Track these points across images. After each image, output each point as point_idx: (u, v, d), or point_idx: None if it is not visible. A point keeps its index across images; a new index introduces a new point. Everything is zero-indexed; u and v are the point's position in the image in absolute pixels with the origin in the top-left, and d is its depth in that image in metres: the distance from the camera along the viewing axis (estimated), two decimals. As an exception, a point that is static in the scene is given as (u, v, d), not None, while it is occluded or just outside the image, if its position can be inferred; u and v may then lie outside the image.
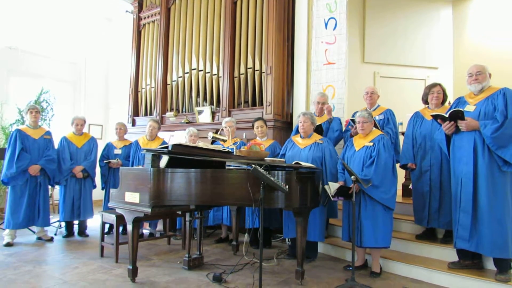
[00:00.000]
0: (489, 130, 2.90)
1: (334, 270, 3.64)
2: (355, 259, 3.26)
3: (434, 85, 3.82)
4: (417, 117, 3.86)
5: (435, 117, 3.23)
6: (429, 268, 3.33)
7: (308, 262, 3.82)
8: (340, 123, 4.35)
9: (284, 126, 5.13)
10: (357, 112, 4.34)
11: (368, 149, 3.41)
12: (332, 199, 3.30)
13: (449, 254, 3.42)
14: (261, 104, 5.22)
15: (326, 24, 5.04)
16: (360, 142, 3.52)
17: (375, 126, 3.61)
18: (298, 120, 3.91)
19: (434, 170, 3.62)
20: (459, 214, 3.09)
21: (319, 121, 4.30)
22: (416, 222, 3.79)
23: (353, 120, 4.16)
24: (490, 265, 3.17)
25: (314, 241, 3.82)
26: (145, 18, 7.10)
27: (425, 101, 3.88)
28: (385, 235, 3.32)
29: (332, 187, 3.23)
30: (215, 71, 5.79)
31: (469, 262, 3.20)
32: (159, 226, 4.91)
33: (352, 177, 3.09)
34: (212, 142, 4.63)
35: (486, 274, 3.08)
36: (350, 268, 3.20)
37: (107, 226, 4.75)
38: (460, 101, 3.31)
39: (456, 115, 3.04)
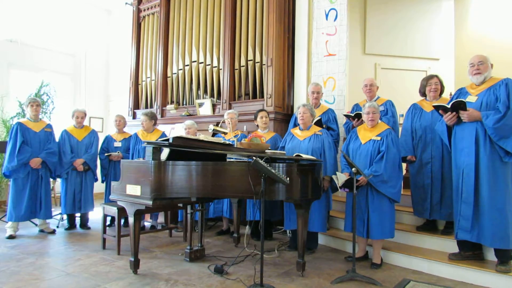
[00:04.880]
0: (491, 120, 2.89)
1: (335, 261, 3.66)
2: (356, 250, 3.27)
3: (431, 77, 3.80)
4: (415, 109, 3.85)
5: (436, 108, 3.22)
6: (430, 259, 3.34)
7: (309, 253, 3.83)
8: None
9: (284, 119, 5.11)
10: (357, 104, 4.34)
11: (376, 143, 3.39)
12: (339, 189, 3.31)
13: (450, 245, 3.43)
14: (262, 96, 5.20)
15: (326, 15, 5.00)
16: (366, 135, 3.49)
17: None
18: (297, 112, 3.90)
19: (436, 162, 3.62)
20: (460, 205, 3.09)
21: (316, 112, 4.28)
22: (415, 214, 3.81)
23: (348, 116, 4.15)
24: (490, 256, 3.18)
25: (315, 232, 3.84)
26: (145, 10, 7.05)
27: (423, 93, 3.86)
28: (391, 227, 3.36)
29: (340, 177, 3.23)
30: (215, 63, 5.76)
31: (470, 253, 3.21)
32: (160, 219, 4.93)
33: (353, 169, 3.09)
34: (213, 135, 4.63)
35: (487, 265, 3.09)
36: (351, 259, 3.21)
37: (108, 218, 4.77)
38: (461, 92, 3.29)
39: (458, 106, 3.03)
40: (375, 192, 3.33)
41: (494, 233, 2.90)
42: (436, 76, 3.79)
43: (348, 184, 3.22)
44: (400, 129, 4.15)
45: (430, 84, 3.73)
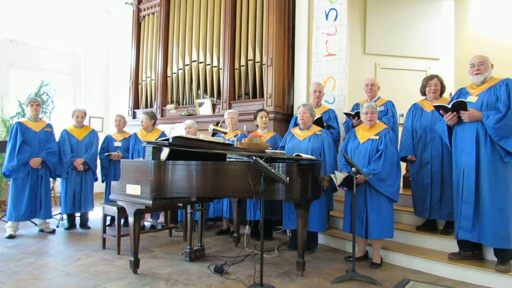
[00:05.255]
0: (491, 120, 2.89)
1: (335, 261, 3.66)
2: (356, 250, 3.27)
3: (431, 77, 3.80)
4: (416, 109, 3.85)
5: (437, 108, 3.22)
6: (430, 259, 3.34)
7: (309, 253, 3.83)
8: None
9: (284, 118, 5.12)
10: (357, 104, 4.34)
11: (374, 142, 3.39)
12: (337, 188, 3.31)
13: (449, 245, 3.43)
14: (262, 96, 5.20)
15: (326, 15, 5.00)
16: (364, 134, 3.50)
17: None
18: (297, 112, 3.90)
19: (435, 162, 3.61)
20: (461, 205, 3.09)
21: (317, 112, 4.29)
22: (416, 214, 3.81)
23: (348, 114, 4.15)
24: (490, 255, 3.18)
25: (314, 232, 3.84)
26: (144, 9, 7.05)
27: (423, 93, 3.86)
28: (390, 226, 3.36)
29: (338, 176, 3.24)
30: (215, 63, 5.76)
31: (470, 253, 3.21)
32: (160, 218, 4.93)
33: (353, 168, 3.09)
34: (213, 135, 4.63)
35: (486, 265, 3.09)
36: (351, 259, 3.21)
37: (108, 218, 4.77)
38: (462, 92, 3.29)
39: (459, 106, 3.03)
40: (374, 191, 3.32)
41: (495, 232, 2.90)
42: (437, 76, 3.78)
43: (346, 182, 3.22)
44: (400, 128, 4.16)
45: (430, 85, 3.73)
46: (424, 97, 3.87)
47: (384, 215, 3.33)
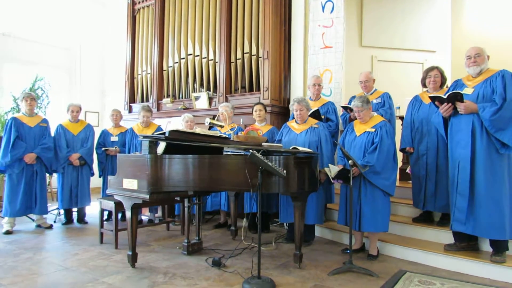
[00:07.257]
0: (487, 113, 2.90)
1: (332, 253, 3.68)
2: (353, 242, 3.29)
3: (431, 68, 3.79)
4: (416, 101, 3.85)
5: (432, 99, 3.22)
6: (426, 250, 3.37)
7: (306, 245, 3.85)
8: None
9: (281, 111, 5.11)
10: (354, 96, 4.33)
11: (370, 135, 3.40)
12: (332, 181, 3.32)
13: (446, 236, 3.46)
14: (258, 89, 5.18)
15: (323, 7, 4.97)
16: (361, 127, 3.50)
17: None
18: (292, 108, 3.88)
19: (431, 154, 3.63)
20: (456, 197, 3.10)
21: (316, 105, 4.29)
22: (414, 205, 3.83)
23: (345, 108, 4.15)
24: (486, 247, 3.21)
25: (311, 224, 3.86)
26: (139, 2, 6.98)
27: (424, 85, 3.86)
28: (384, 220, 3.35)
29: (332, 169, 3.24)
30: (211, 56, 5.73)
31: (465, 244, 3.24)
32: (159, 212, 4.93)
33: (350, 161, 3.10)
34: (210, 128, 4.62)
35: (482, 256, 3.12)
36: (348, 251, 3.23)
37: (106, 213, 4.77)
38: (458, 83, 3.29)
39: (455, 97, 3.03)
40: (368, 184, 3.33)
41: (491, 224, 2.92)
42: (437, 68, 3.77)
43: (340, 175, 3.23)
44: (397, 121, 4.16)
45: (430, 76, 3.72)
46: (425, 89, 3.87)
47: (378, 208, 3.32)
